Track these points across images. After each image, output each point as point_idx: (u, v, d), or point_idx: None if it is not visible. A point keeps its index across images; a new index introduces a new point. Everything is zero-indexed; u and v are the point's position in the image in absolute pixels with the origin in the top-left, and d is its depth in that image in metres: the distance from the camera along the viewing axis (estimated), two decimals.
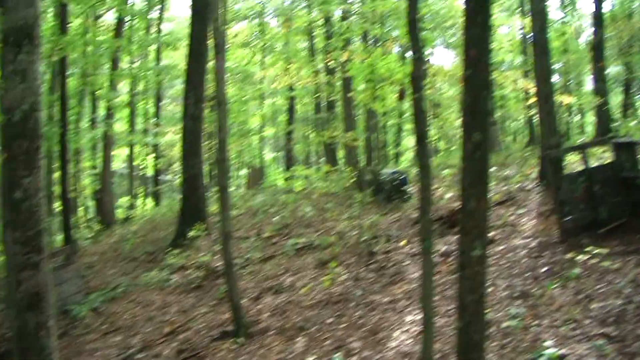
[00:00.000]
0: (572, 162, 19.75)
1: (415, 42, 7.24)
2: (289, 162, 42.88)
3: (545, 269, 11.94)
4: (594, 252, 11.42)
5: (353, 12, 26.19)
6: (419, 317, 10.99)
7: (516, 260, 12.85)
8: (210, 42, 21.29)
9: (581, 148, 14.73)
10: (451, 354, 9.02)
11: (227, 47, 20.00)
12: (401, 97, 15.95)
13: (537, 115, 18.93)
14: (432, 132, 41.97)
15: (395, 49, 36.57)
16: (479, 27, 6.11)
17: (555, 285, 10.83)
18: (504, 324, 9.64)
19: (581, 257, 11.57)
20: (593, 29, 27.31)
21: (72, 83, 30.12)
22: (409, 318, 11.24)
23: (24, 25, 6.83)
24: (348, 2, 27.98)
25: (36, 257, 6.86)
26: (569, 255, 11.94)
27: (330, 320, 12.20)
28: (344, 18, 27.48)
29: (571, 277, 10.96)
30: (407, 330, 10.74)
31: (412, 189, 21.33)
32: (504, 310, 10.32)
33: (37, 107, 6.88)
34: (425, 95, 22.47)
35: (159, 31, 39.86)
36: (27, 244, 6.81)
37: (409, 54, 39.06)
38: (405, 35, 16.14)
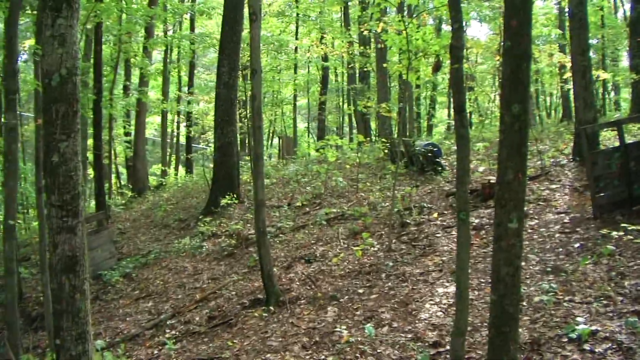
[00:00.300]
0: (607, 139, 19.59)
1: (456, 11, 7.18)
2: (321, 132, 42.82)
3: (578, 244, 11.87)
4: (629, 228, 11.36)
5: None
6: (451, 289, 11.02)
7: (549, 235, 12.79)
8: (245, 11, 21.28)
9: (617, 124, 14.56)
10: (481, 327, 9.03)
11: (262, 15, 19.90)
12: (436, 69, 15.80)
13: (573, 90, 18.73)
14: (466, 105, 41.74)
15: (430, 22, 36.48)
16: None
17: (587, 261, 10.76)
18: (536, 299, 9.59)
19: (615, 234, 11.52)
20: (631, 4, 26.93)
21: (106, 50, 30.27)
22: (440, 290, 11.22)
23: None
24: None
25: (72, 220, 6.91)
26: (602, 232, 11.87)
27: (362, 290, 12.22)
28: None
29: (604, 253, 10.88)
30: (438, 303, 10.71)
31: (445, 161, 21.28)
32: (535, 285, 10.27)
33: (75, 71, 6.90)
34: (465, 68, 22.31)
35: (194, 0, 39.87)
36: (64, 207, 6.86)
37: (444, 26, 38.99)
38: (443, 6, 16.03)
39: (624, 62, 44.20)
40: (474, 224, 14.41)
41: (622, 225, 11.67)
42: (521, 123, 6.11)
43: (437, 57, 15.86)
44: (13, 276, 12.39)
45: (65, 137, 6.84)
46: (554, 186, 16.23)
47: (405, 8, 27.91)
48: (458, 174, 7.28)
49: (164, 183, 36.95)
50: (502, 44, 6.29)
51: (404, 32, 15.38)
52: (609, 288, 9.45)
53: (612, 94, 42.72)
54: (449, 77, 43.39)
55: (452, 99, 7.44)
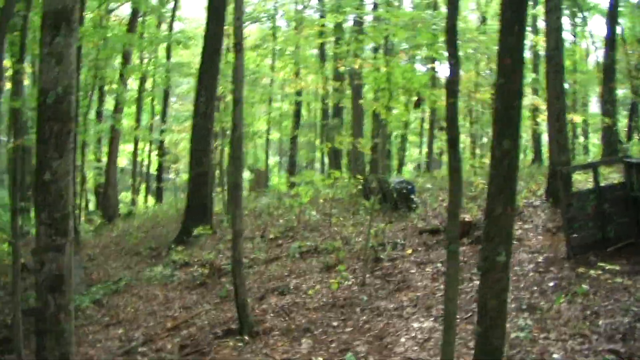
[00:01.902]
0: (578, 181, 19.82)
1: (453, 48, 7.31)
2: (292, 167, 42.94)
3: (552, 283, 11.99)
4: (606, 268, 11.52)
5: (369, 18, 26.34)
6: (426, 324, 11.09)
7: (523, 274, 12.89)
8: (226, 41, 21.40)
9: (593, 166, 14.81)
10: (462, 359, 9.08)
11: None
12: (417, 105, 16.06)
13: (548, 133, 19.02)
14: (439, 145, 42.16)
15: (403, 62, 36.84)
16: (514, 36, 6.18)
17: (562, 300, 10.87)
18: (512, 335, 9.64)
19: (589, 274, 11.66)
20: (604, 50, 27.43)
21: (82, 75, 30.20)
22: (415, 325, 11.26)
23: (62, 8, 6.89)
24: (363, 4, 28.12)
25: (61, 239, 6.89)
26: (578, 271, 12.02)
27: (336, 323, 12.23)
28: (358, 23, 27.55)
29: (579, 292, 11.01)
30: (413, 337, 10.75)
31: (418, 199, 21.39)
32: (511, 322, 10.30)
33: (70, 90, 6.93)
34: (437, 107, 22.63)
35: (171, 29, 39.94)
36: (53, 226, 6.85)
37: (418, 66, 39.33)
38: (425, 44, 16.25)
39: (593, 107, 44.91)
40: None
41: (600, 264, 11.84)
42: (511, 159, 6.22)
43: (417, 94, 16.06)
44: None
45: (58, 156, 6.85)
46: (527, 226, 16.37)
47: (388, 43, 28.15)
48: (450, 207, 7.37)
49: (134, 211, 36.77)
50: (496, 80, 6.39)
51: (384, 69, 15.55)
52: (584, 326, 9.56)
53: (582, 138, 43.25)
54: (421, 116, 43.84)
55: (446, 133, 7.53)
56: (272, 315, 13.45)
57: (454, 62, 7.34)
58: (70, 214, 7.05)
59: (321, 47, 39.05)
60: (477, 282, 12.41)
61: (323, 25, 29.65)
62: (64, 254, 6.93)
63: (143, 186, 46.37)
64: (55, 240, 6.89)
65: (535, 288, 11.95)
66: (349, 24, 32.37)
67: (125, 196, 44.81)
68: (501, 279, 6.26)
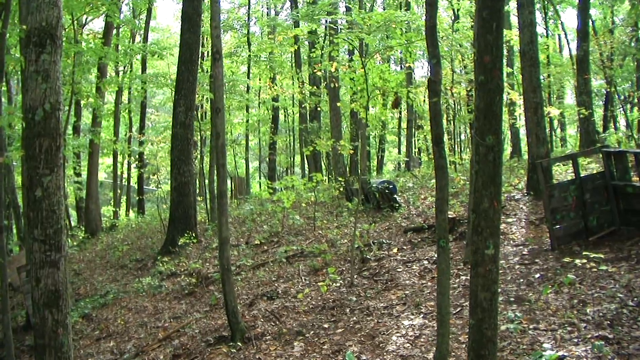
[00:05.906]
0: (558, 173, 20.00)
1: (433, 47, 7.42)
2: (272, 172, 43.02)
3: (538, 275, 12.13)
4: (591, 256, 11.70)
5: (342, 22, 26.42)
6: (416, 321, 11.19)
7: (509, 267, 13.03)
8: (201, 50, 21.39)
9: (572, 157, 14.95)
10: (455, 353, 9.18)
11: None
12: (396, 105, 16.06)
13: (525, 127, 19.21)
14: (419, 144, 42.35)
15: (377, 62, 37.04)
16: (493, 34, 6.29)
17: (549, 291, 11.00)
18: (502, 327, 9.74)
19: (574, 263, 11.84)
20: (576, 42, 27.65)
21: None
22: (406, 323, 11.34)
23: (46, 25, 6.95)
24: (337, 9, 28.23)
25: (55, 254, 6.95)
26: (564, 260, 12.20)
27: (327, 325, 12.28)
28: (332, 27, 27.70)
29: (565, 282, 11.14)
30: (404, 335, 10.83)
31: (400, 198, 21.53)
32: (500, 314, 10.39)
33: (58, 106, 6.98)
34: (415, 105, 22.75)
35: (145, 40, 39.91)
36: (47, 241, 6.89)
37: (393, 66, 39.47)
38: (399, 45, 16.34)
39: (568, 99, 45.21)
40: (434, 258, 14.62)
41: (584, 253, 12.03)
42: (495, 153, 6.32)
43: (395, 94, 16.16)
44: None
45: (49, 172, 6.91)
46: (510, 219, 16.53)
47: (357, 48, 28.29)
48: (437, 204, 7.47)
49: (117, 224, 36.70)
50: (475, 78, 6.48)
51: (361, 70, 15.64)
52: (572, 315, 9.69)
53: (559, 130, 43.57)
54: (399, 116, 44.02)
55: (430, 131, 7.63)
56: (262, 320, 13.49)
57: (435, 62, 7.45)
58: (63, 229, 7.09)
59: (296, 52, 39.18)
60: (464, 277, 12.69)
61: (296, 35, 29.76)
62: (59, 269, 6.99)
63: (124, 199, 46.31)
64: (50, 255, 6.95)
65: (522, 280, 12.09)
66: (322, 27, 32.55)
67: (106, 210, 44.65)
68: (491, 271, 6.36)
